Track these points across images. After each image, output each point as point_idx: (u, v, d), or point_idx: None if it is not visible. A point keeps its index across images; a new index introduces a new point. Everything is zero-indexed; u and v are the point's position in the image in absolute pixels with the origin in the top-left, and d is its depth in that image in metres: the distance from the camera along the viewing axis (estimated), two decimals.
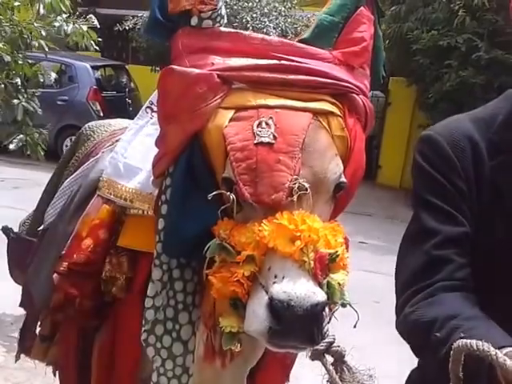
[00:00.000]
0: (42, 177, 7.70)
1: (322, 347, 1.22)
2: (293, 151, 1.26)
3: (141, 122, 1.84)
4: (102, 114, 9.39)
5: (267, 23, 8.33)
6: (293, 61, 1.39)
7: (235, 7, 8.47)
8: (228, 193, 1.26)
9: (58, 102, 9.20)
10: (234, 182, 1.27)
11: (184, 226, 1.35)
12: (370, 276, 5.11)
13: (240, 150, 1.27)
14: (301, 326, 1.14)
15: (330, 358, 1.26)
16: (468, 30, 7.20)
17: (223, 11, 1.44)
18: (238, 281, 1.20)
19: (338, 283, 1.23)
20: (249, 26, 8.28)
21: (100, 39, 2.77)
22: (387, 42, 8.32)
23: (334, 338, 1.25)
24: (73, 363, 1.87)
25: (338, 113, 1.38)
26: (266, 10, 8.37)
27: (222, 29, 1.43)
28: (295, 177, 1.24)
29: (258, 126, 1.28)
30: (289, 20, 8.80)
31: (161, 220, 1.42)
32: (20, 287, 2.23)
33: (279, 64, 1.38)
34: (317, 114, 1.35)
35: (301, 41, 1.48)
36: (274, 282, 1.16)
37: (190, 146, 1.36)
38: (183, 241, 1.36)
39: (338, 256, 1.24)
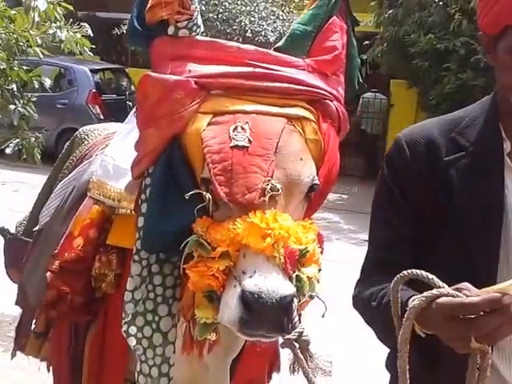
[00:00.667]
0: (41, 180, 7.63)
1: (294, 336, 1.33)
2: (267, 154, 1.33)
3: (129, 126, 1.90)
4: (102, 117, 9.47)
5: (265, 27, 8.39)
6: (268, 68, 1.46)
7: (233, 11, 8.52)
8: (205, 192, 1.34)
9: (58, 106, 9.27)
10: (210, 182, 1.34)
11: (163, 223, 1.41)
12: None
13: (216, 152, 1.34)
14: (270, 317, 1.21)
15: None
16: (465, 34, 7.22)
17: (199, 21, 1.49)
18: (214, 275, 1.27)
19: (308, 277, 1.30)
20: (247, 29, 8.35)
21: (94, 46, 2.81)
22: (385, 44, 8.40)
23: (304, 328, 1.35)
24: (65, 358, 1.93)
25: (312, 118, 1.46)
26: (263, 14, 8.43)
27: (199, 37, 1.50)
28: (268, 178, 1.31)
29: (233, 131, 1.35)
30: (287, 24, 8.81)
31: (140, 218, 1.47)
32: (12, 288, 2.31)
33: (255, 72, 1.45)
34: (291, 119, 1.42)
35: (276, 49, 1.57)
36: (247, 276, 1.23)
37: (170, 148, 1.41)
38: (162, 237, 1.42)
39: (308, 251, 1.31)
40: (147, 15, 1.44)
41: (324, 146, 1.46)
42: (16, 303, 2.25)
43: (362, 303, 1.39)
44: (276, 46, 1.60)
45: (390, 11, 8.20)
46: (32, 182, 7.91)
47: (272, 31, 8.50)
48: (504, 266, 1.32)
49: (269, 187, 1.31)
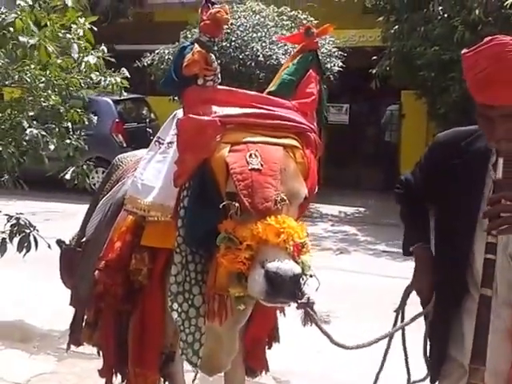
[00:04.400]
0: (70, 208, 7.93)
1: (306, 301, 1.83)
2: (275, 174, 1.82)
3: (151, 152, 2.43)
4: (125, 145, 9.86)
5: (276, 50, 8.66)
6: (268, 109, 1.99)
7: (245, 38, 8.78)
8: (233, 203, 1.80)
9: (84, 137, 9.63)
10: (236, 195, 1.80)
11: (198, 224, 1.91)
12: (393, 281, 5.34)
13: (239, 173, 1.81)
14: (286, 289, 1.68)
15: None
16: (467, 44, 7.35)
17: (219, 74, 2.00)
18: (242, 261, 1.73)
19: (306, 261, 1.81)
20: (259, 54, 8.63)
21: (129, 86, 3.23)
22: (393, 58, 8.64)
23: (309, 295, 1.84)
24: (112, 342, 2.42)
25: (299, 146, 1.97)
26: (274, 39, 8.69)
27: (219, 86, 2.01)
28: (278, 192, 1.79)
29: (249, 157, 1.83)
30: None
31: (179, 220, 1.98)
32: (62, 304, 2.75)
33: (259, 112, 1.97)
34: (286, 147, 1.93)
35: (269, 92, 2.15)
36: (269, 261, 1.69)
37: (201, 169, 1.90)
38: (197, 234, 1.92)
39: (305, 244, 1.82)
40: (184, 70, 1.92)
41: (308, 167, 1.96)
42: (70, 304, 2.71)
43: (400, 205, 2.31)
44: (269, 90, 2.14)
45: (396, 27, 8.44)
46: (62, 210, 8.29)
47: (283, 54, 8.72)
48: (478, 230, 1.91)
49: (279, 198, 1.78)
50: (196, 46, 1.93)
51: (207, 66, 1.93)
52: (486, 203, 1.76)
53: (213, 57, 1.96)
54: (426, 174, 2.15)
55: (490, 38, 1.78)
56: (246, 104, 1.98)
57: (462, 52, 1.84)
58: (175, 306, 1.99)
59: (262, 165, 1.82)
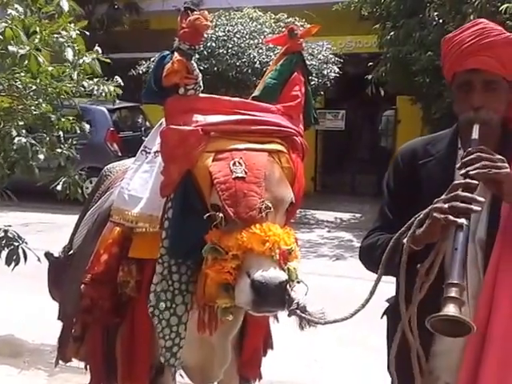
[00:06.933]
0: (64, 219, 7.92)
1: (295, 306, 1.82)
2: (259, 182, 1.80)
3: (138, 162, 2.37)
4: (120, 154, 9.78)
5: (273, 57, 8.60)
6: (251, 115, 1.97)
7: (242, 45, 8.76)
8: (217, 213, 1.79)
9: (78, 146, 9.53)
10: (220, 206, 1.79)
11: (182, 235, 1.89)
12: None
13: (223, 183, 1.80)
14: (273, 297, 1.68)
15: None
16: None
17: (201, 82, 1.96)
18: (228, 271, 1.73)
19: (294, 268, 1.82)
20: (256, 60, 8.60)
21: (121, 91, 3.16)
22: (389, 64, 8.62)
23: (299, 299, 1.83)
24: (100, 356, 2.37)
25: (285, 151, 1.96)
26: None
27: (201, 94, 1.99)
28: (262, 200, 1.78)
29: (233, 165, 1.82)
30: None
31: (163, 232, 1.97)
32: (53, 318, 2.69)
33: (242, 118, 1.96)
34: (271, 152, 1.92)
35: (254, 97, 2.11)
36: (254, 270, 1.69)
37: (185, 180, 1.88)
38: (181, 246, 1.91)
39: (292, 250, 1.82)
40: (164, 80, 1.88)
41: (294, 171, 1.93)
42: (58, 318, 2.67)
43: (366, 246, 2.04)
44: (254, 95, 2.09)
45: (392, 33, 8.43)
46: (55, 222, 8.16)
47: None
48: None
49: (263, 206, 1.77)
50: (176, 54, 1.89)
51: (188, 75, 1.90)
52: (462, 157, 1.74)
53: (194, 65, 1.92)
54: (397, 191, 2.00)
55: (474, 20, 1.96)
56: (230, 111, 1.97)
57: (443, 38, 1.90)
58: (156, 312, 1.99)
59: (246, 172, 1.81)
